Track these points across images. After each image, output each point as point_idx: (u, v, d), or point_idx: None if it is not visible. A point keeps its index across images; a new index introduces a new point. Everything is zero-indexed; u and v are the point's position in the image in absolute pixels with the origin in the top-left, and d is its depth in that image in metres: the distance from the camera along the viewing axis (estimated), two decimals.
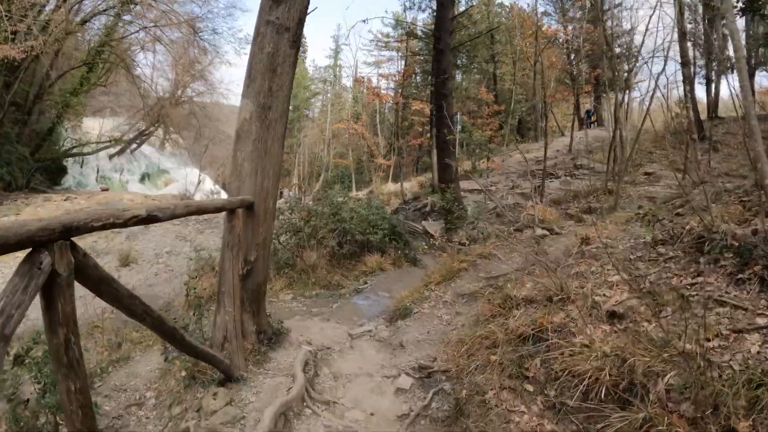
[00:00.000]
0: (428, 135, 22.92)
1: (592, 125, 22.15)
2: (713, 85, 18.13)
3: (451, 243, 11.06)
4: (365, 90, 35.01)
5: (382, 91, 23.26)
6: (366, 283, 7.57)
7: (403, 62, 26.75)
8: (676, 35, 14.87)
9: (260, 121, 4.12)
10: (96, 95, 23.74)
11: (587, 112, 22.45)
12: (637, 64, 14.87)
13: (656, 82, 11.57)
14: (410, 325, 5.32)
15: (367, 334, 5.43)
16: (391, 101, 22.16)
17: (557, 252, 5.78)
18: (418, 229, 13.34)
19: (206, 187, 25.24)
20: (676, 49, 18.23)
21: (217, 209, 4.10)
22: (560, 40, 21.83)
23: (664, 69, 12.80)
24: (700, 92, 16.85)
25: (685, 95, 16.47)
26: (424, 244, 11.71)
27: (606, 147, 17.25)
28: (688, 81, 16.34)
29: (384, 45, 30.90)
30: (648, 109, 12.02)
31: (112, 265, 10.78)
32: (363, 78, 27.41)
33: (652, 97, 11.25)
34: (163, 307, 6.49)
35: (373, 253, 8.76)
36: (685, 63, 12.85)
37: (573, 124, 18.57)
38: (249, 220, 4.14)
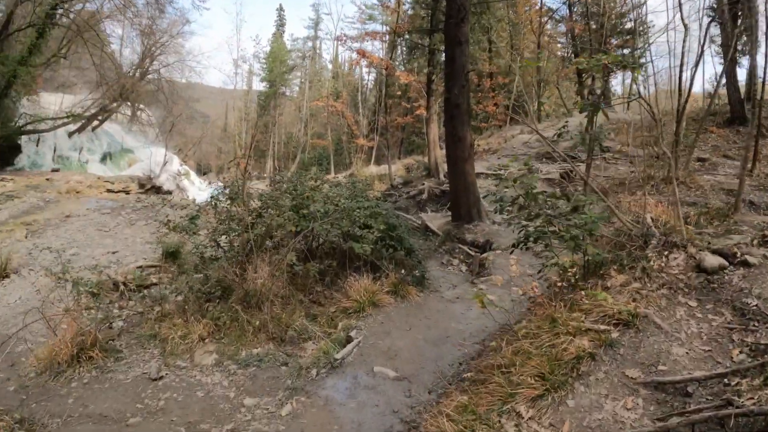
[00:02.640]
0: (416, 112, 19.09)
1: None
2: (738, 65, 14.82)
3: (468, 247, 7.44)
4: (347, 52, 30.67)
5: (367, 58, 19.04)
6: (350, 337, 3.88)
7: (388, 37, 22.65)
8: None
9: None
10: (60, 68, 20.78)
11: (591, 91, 19.06)
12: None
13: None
14: None
15: None
16: (379, 62, 18.06)
17: None
18: (415, 223, 9.64)
19: (173, 168, 21.53)
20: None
21: None
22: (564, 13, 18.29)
23: (729, 26, 9.23)
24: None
25: (727, 74, 13.22)
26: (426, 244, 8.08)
27: (622, 129, 14.12)
28: (729, 59, 13.07)
29: (368, 17, 26.50)
30: (717, 88, 8.57)
31: None
32: (344, 37, 22.95)
33: (723, 70, 7.80)
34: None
35: (359, 271, 5.03)
36: None
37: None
38: None
